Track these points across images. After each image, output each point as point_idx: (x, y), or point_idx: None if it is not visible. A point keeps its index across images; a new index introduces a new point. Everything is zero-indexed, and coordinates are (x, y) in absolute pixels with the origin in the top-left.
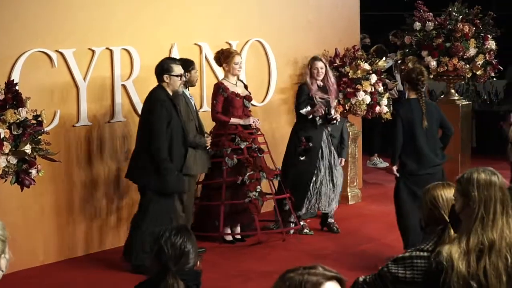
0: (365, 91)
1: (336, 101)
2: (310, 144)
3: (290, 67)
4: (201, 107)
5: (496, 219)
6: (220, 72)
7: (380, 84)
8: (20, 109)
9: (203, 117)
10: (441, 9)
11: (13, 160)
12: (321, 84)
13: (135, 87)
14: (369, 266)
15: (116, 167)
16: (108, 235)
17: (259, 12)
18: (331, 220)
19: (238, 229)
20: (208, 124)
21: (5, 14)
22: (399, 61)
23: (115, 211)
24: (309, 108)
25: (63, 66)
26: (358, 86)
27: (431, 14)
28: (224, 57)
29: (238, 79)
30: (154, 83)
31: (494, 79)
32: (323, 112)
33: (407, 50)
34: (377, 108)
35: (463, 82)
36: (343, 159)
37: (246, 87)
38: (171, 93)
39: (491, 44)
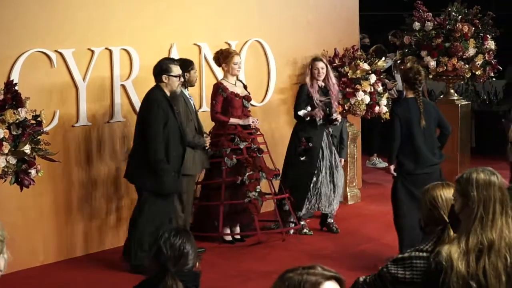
0: (364, 91)
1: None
2: (310, 145)
3: (289, 67)
4: (200, 107)
5: (496, 219)
6: (219, 72)
7: (380, 84)
8: (19, 109)
9: (202, 117)
10: (440, 9)
11: (13, 160)
12: (322, 84)
13: (134, 87)
14: (369, 266)
15: (116, 167)
16: (107, 235)
17: (258, 12)
18: (330, 220)
19: (238, 229)
20: (208, 124)
21: (5, 14)
22: (398, 61)
23: (114, 211)
24: (308, 108)
25: (62, 66)
26: (357, 86)
27: (430, 14)
28: (224, 57)
29: (237, 79)
30: (153, 83)
31: (494, 79)
32: (321, 116)
33: (406, 50)
34: (376, 108)
35: (462, 82)
36: (343, 159)
37: (245, 87)
38: (168, 94)
39: (490, 44)
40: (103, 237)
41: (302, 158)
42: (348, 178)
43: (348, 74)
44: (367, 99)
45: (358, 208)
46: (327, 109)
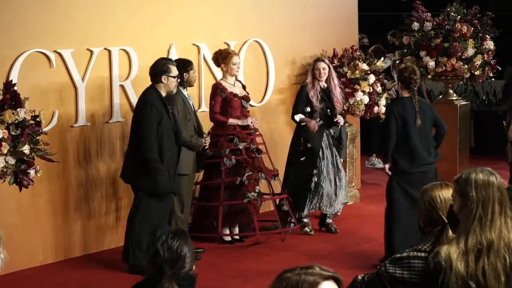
0: (363, 91)
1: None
2: (309, 145)
3: (288, 67)
4: (199, 107)
5: (495, 219)
6: (218, 72)
7: (379, 85)
8: (18, 109)
9: (201, 117)
10: (439, 9)
11: (12, 161)
12: (325, 85)
13: (133, 88)
14: (368, 266)
15: (115, 168)
16: (106, 235)
17: (257, 13)
18: (329, 221)
19: (237, 230)
20: (206, 125)
21: (4, 14)
22: (397, 61)
23: (113, 211)
24: (308, 109)
25: (61, 66)
26: (356, 87)
27: (429, 14)
28: (222, 57)
29: (236, 79)
30: None
31: (493, 79)
32: (315, 129)
33: (405, 50)
34: (375, 108)
35: (461, 82)
36: (341, 159)
37: (244, 87)
38: (164, 94)
39: (490, 44)
40: (102, 237)
41: (302, 159)
42: (347, 178)
43: (347, 74)
44: (366, 99)
45: (357, 208)
46: (328, 110)
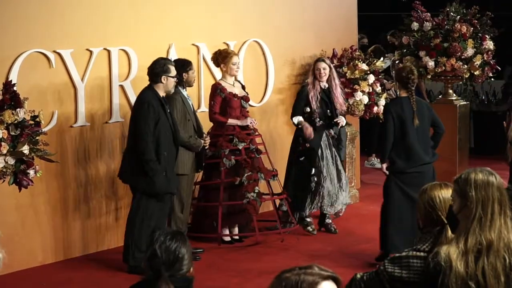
0: (363, 92)
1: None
2: (307, 145)
3: (287, 68)
4: (198, 107)
5: (494, 219)
6: (217, 72)
7: (378, 85)
8: (18, 109)
9: (200, 117)
10: (438, 9)
11: (11, 161)
12: (326, 85)
13: (133, 88)
14: (367, 266)
15: (114, 168)
16: (106, 236)
17: (256, 13)
18: (328, 221)
19: (236, 230)
20: (206, 125)
21: (3, 14)
22: (397, 62)
23: (113, 212)
24: (307, 109)
25: (61, 66)
26: (356, 87)
27: (428, 14)
28: (222, 57)
29: (235, 79)
30: None
31: (492, 79)
32: (310, 137)
33: (405, 51)
34: (375, 109)
35: (461, 82)
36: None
37: (243, 87)
38: (162, 94)
39: (489, 44)
40: (101, 238)
41: (301, 159)
42: (347, 179)
43: (347, 74)
44: (365, 99)
45: (356, 208)
46: (328, 111)
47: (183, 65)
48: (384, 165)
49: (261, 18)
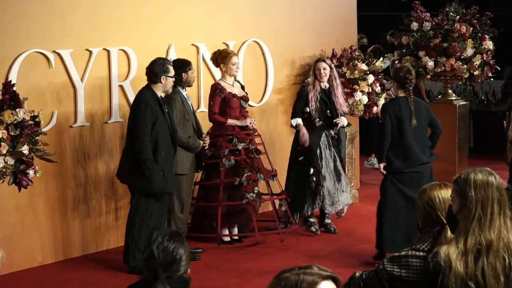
0: (362, 92)
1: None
2: (306, 145)
3: (287, 68)
4: (198, 107)
5: (494, 219)
6: (217, 72)
7: (378, 85)
8: (17, 109)
9: (200, 117)
10: (438, 9)
11: (11, 161)
12: (326, 85)
13: (132, 88)
14: (367, 266)
15: (114, 168)
16: (106, 236)
17: (256, 13)
18: (328, 221)
19: (236, 230)
20: (205, 125)
21: (3, 14)
22: (396, 62)
23: (112, 212)
24: (307, 109)
25: (60, 66)
26: (355, 87)
27: (428, 14)
28: (222, 57)
29: (235, 79)
30: None
31: (492, 79)
32: (305, 144)
33: (404, 51)
34: (374, 109)
35: (460, 82)
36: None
37: (243, 87)
38: (160, 94)
39: (489, 44)
40: (101, 238)
41: (300, 159)
42: (347, 179)
43: (346, 74)
44: (365, 99)
45: (356, 208)
46: (328, 111)
47: (182, 65)
48: (382, 165)
49: (260, 18)
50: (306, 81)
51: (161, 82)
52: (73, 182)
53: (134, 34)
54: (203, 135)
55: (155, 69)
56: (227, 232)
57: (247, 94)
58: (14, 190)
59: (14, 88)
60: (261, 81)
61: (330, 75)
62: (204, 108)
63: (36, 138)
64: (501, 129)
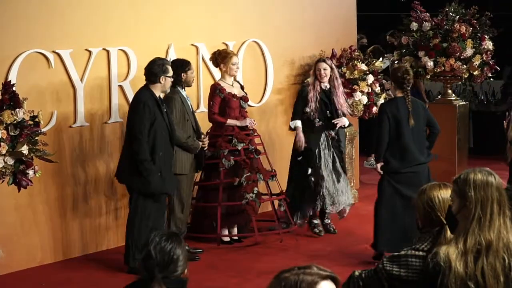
0: (362, 92)
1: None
2: (305, 145)
3: (287, 68)
4: (198, 107)
5: (493, 219)
6: (216, 72)
7: (377, 85)
8: (17, 110)
9: (200, 118)
10: (438, 9)
11: (10, 161)
12: (327, 86)
13: (132, 88)
14: (366, 266)
15: (113, 168)
16: (105, 236)
17: (256, 13)
18: (327, 221)
19: (235, 230)
20: (205, 125)
21: (3, 14)
22: (396, 62)
23: (112, 212)
24: (307, 110)
25: (60, 66)
26: (355, 87)
27: (428, 14)
28: (222, 57)
29: (234, 79)
30: None
31: (491, 79)
32: (301, 148)
33: (404, 51)
34: (374, 109)
35: (460, 83)
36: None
37: (242, 88)
38: (159, 94)
39: (488, 45)
40: (101, 238)
41: (299, 159)
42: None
43: (346, 74)
44: (364, 99)
45: (355, 208)
46: (328, 112)
47: (181, 65)
48: (379, 165)
49: (260, 18)
50: (306, 81)
51: (160, 82)
52: (72, 182)
53: (133, 34)
54: (202, 136)
55: (155, 69)
56: (226, 232)
57: (246, 94)
58: (13, 190)
59: (14, 88)
60: (261, 81)
61: (331, 76)
62: (203, 108)
63: (36, 138)
64: (501, 129)
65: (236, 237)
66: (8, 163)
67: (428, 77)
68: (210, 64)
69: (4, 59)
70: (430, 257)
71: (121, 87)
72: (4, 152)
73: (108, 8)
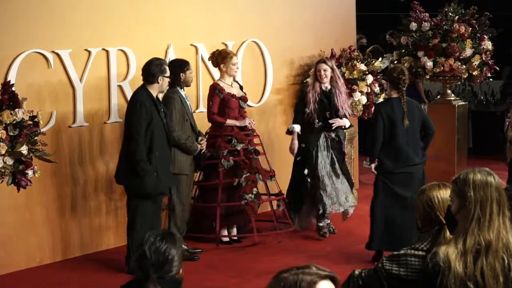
0: (361, 92)
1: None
2: (303, 145)
3: (286, 68)
4: (197, 108)
5: (493, 219)
6: (216, 72)
7: (376, 85)
8: (16, 110)
9: (199, 118)
10: (437, 9)
11: (10, 161)
12: (328, 87)
13: (131, 88)
14: (366, 266)
15: (113, 168)
16: (105, 236)
17: (255, 13)
18: (327, 221)
19: (235, 231)
20: (204, 125)
21: (3, 14)
22: (395, 62)
23: (112, 212)
24: (306, 110)
25: (59, 66)
26: (354, 87)
27: (427, 14)
28: (222, 58)
29: (233, 80)
30: None
31: (491, 79)
32: (294, 151)
33: (403, 51)
34: (373, 109)
35: (459, 83)
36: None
37: (241, 88)
38: (155, 94)
39: (487, 45)
40: (100, 238)
41: (297, 159)
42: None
43: (345, 74)
44: (364, 99)
45: (355, 208)
46: (327, 113)
47: (180, 65)
48: (373, 165)
49: (260, 18)
50: (305, 81)
51: (158, 83)
52: (72, 182)
53: (133, 34)
54: (200, 138)
55: (153, 70)
56: (226, 232)
57: (245, 94)
58: (13, 190)
59: (13, 88)
60: (260, 81)
61: (332, 77)
62: (203, 108)
63: (35, 138)
64: (500, 129)
65: (235, 238)
66: (7, 163)
67: (428, 77)
68: (209, 64)
69: (4, 59)
70: (430, 257)
71: (120, 87)
72: (3, 152)
73: (108, 8)
